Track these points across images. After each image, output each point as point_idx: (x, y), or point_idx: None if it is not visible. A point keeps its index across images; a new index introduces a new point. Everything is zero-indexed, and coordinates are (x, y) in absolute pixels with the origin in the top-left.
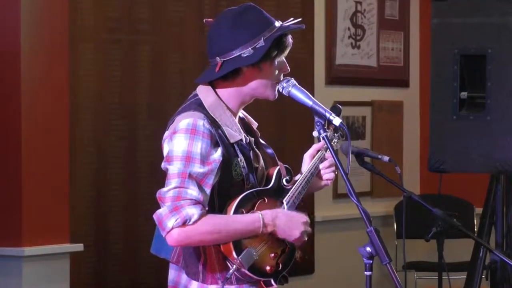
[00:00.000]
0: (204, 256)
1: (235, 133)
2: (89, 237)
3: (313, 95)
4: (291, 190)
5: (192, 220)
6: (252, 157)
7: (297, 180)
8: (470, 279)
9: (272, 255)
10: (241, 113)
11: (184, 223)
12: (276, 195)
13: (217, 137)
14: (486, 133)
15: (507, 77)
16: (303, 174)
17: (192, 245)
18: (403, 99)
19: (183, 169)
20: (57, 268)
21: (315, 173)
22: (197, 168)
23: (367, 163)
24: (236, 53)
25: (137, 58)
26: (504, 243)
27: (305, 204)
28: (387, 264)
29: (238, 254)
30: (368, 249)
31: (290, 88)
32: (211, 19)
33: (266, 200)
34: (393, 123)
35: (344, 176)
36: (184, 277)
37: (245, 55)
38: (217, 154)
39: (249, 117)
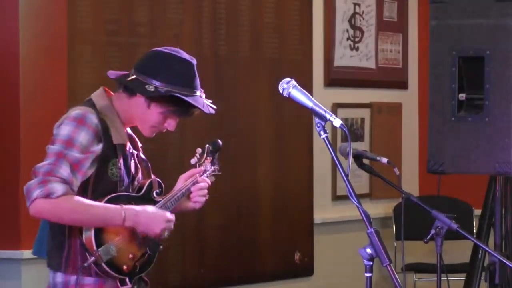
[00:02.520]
0: (68, 248)
1: (120, 137)
2: None
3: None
4: (160, 202)
5: (56, 194)
6: (132, 165)
7: (167, 195)
8: (469, 281)
9: (131, 256)
10: (128, 129)
11: (47, 196)
12: (144, 203)
13: (101, 134)
14: (484, 134)
15: (505, 78)
16: (174, 191)
17: (52, 220)
18: (402, 101)
19: (61, 150)
20: None
21: (186, 193)
22: (74, 153)
23: (365, 164)
24: (147, 80)
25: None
26: (503, 245)
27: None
28: (388, 266)
29: (98, 247)
30: (369, 250)
31: (290, 90)
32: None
33: (134, 205)
34: (392, 125)
35: (345, 178)
36: (51, 275)
37: (148, 87)
38: (97, 148)
39: (134, 136)
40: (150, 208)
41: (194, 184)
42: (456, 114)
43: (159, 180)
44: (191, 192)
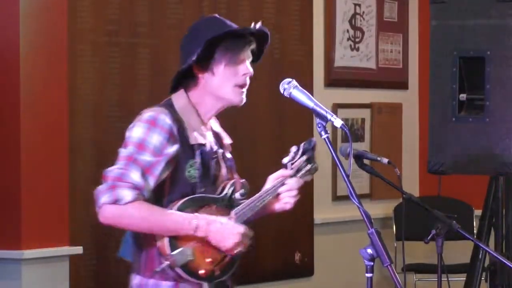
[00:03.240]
0: (146, 251)
1: (198, 137)
2: (88, 240)
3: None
4: (243, 204)
5: (124, 201)
6: (213, 164)
7: (252, 196)
8: (469, 281)
9: (209, 260)
10: (216, 126)
11: (114, 202)
12: (227, 205)
13: (176, 135)
14: (485, 135)
15: (506, 79)
16: (260, 193)
17: (120, 227)
18: (402, 101)
19: (131, 154)
20: (56, 271)
21: (273, 194)
22: (146, 157)
23: (366, 165)
24: (186, 58)
25: (136, 61)
26: (503, 245)
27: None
28: (388, 266)
29: (172, 251)
30: (369, 251)
31: (291, 90)
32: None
33: (214, 207)
34: (392, 125)
35: (345, 178)
36: (131, 277)
37: (190, 60)
38: (171, 150)
39: (223, 133)
40: (223, 220)
41: (282, 185)
42: (456, 115)
43: (243, 181)
44: (278, 194)
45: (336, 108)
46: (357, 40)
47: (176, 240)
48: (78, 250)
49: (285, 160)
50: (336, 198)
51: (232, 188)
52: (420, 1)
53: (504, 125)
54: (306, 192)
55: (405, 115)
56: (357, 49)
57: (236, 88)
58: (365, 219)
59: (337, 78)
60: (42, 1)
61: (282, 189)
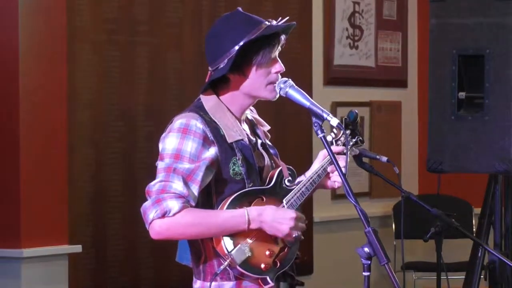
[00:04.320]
0: (204, 254)
1: (235, 134)
2: (87, 238)
3: (311, 96)
4: (293, 190)
5: (172, 212)
6: (254, 157)
7: (301, 181)
8: (468, 279)
9: (268, 252)
10: (251, 115)
11: (163, 215)
12: (277, 194)
13: (211, 137)
14: (484, 133)
15: (505, 77)
16: (308, 175)
17: (174, 238)
18: (402, 100)
19: (170, 165)
20: (55, 270)
21: (323, 174)
22: (184, 165)
23: (365, 163)
24: (218, 63)
25: (135, 59)
26: (502, 243)
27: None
28: (385, 265)
29: (229, 250)
30: (366, 249)
31: (287, 89)
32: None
33: (264, 198)
34: (391, 124)
35: (342, 177)
36: (193, 281)
37: (220, 67)
38: (210, 153)
39: (260, 119)
40: (273, 208)
41: (331, 163)
42: (456, 113)
43: (289, 166)
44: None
45: (335, 106)
46: (356, 38)
47: (231, 238)
48: (77, 248)
49: (329, 137)
50: (335, 196)
51: (279, 177)
52: None
53: (503, 123)
54: None
55: (404, 113)
56: (356, 48)
57: (269, 86)
58: (362, 217)
59: (336, 77)
60: (41, 0)
61: (330, 168)
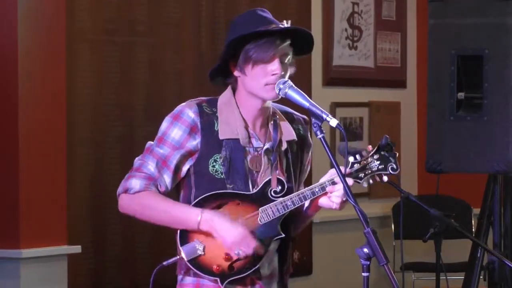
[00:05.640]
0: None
1: (230, 132)
2: (86, 239)
3: (310, 96)
4: (276, 201)
5: (133, 190)
6: (246, 160)
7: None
8: (468, 280)
9: (225, 256)
10: (277, 120)
11: (125, 191)
12: (256, 202)
13: (200, 128)
14: (483, 133)
15: (504, 77)
16: (302, 190)
17: (135, 216)
18: (401, 100)
19: (152, 146)
20: (55, 270)
21: (319, 193)
22: (163, 149)
23: None
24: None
25: (134, 59)
26: (501, 244)
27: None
28: (384, 265)
29: (182, 245)
30: (366, 250)
31: (286, 90)
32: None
33: (240, 203)
34: (390, 124)
35: (341, 177)
36: None
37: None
38: (192, 143)
39: (286, 128)
40: (227, 218)
41: (333, 183)
42: (454, 113)
43: (280, 177)
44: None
45: (334, 107)
46: (355, 38)
47: (187, 234)
48: (77, 249)
49: (351, 159)
50: None
51: (266, 186)
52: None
53: (502, 123)
54: None
55: (403, 114)
56: (355, 48)
57: (267, 86)
58: (361, 218)
59: (335, 77)
60: (41, 0)
61: (329, 188)
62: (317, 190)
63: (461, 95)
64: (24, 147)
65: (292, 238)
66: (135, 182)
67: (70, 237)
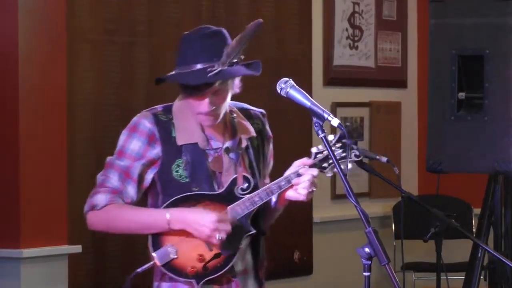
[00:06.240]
0: None
1: (188, 137)
2: (87, 239)
3: (311, 96)
4: (244, 198)
5: (99, 206)
6: (209, 162)
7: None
8: (468, 280)
9: (198, 258)
10: (237, 119)
11: (92, 209)
12: (223, 200)
13: (158, 136)
14: (484, 133)
15: (505, 77)
16: (267, 185)
17: (104, 231)
18: (401, 100)
19: (112, 160)
20: (55, 270)
21: (285, 186)
22: (124, 162)
23: (365, 164)
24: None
25: (135, 60)
26: (502, 244)
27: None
28: (386, 265)
29: (154, 250)
30: (367, 250)
31: (288, 89)
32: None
33: (208, 204)
34: (391, 124)
35: (343, 177)
36: None
37: (169, 74)
38: (152, 152)
39: (244, 125)
40: (196, 211)
41: (298, 175)
42: (455, 113)
43: (246, 174)
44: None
45: (335, 106)
46: (356, 38)
47: (159, 239)
48: (77, 249)
49: (313, 149)
50: (335, 196)
51: (232, 184)
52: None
53: (503, 123)
54: None
55: (404, 114)
56: (356, 48)
57: (201, 115)
58: (363, 218)
59: (336, 77)
60: (41, 0)
61: (295, 180)
62: (283, 183)
63: (461, 95)
64: (24, 147)
65: (263, 232)
66: (100, 198)
67: (71, 237)
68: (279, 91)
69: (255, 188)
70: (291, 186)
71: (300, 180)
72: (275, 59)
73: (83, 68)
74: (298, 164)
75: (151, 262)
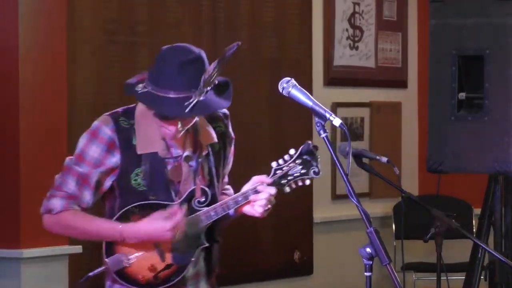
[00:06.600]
0: None
1: (149, 145)
2: None
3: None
4: (200, 212)
5: (55, 211)
6: (168, 171)
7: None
8: (468, 280)
9: (150, 267)
10: (197, 126)
11: (47, 212)
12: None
13: (118, 144)
14: (484, 133)
15: (505, 77)
16: (224, 200)
17: (58, 234)
18: (402, 100)
19: (71, 164)
20: (55, 270)
21: (242, 202)
22: (83, 168)
23: (365, 164)
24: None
25: (135, 60)
26: (502, 244)
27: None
28: (387, 265)
29: (107, 257)
30: (368, 250)
31: (290, 89)
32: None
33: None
34: (391, 124)
35: (344, 177)
36: None
37: (137, 88)
38: (111, 160)
39: (208, 132)
40: (146, 223)
41: (255, 192)
42: (455, 113)
43: (204, 187)
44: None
45: (335, 107)
46: (356, 39)
47: (113, 246)
48: (78, 249)
49: (273, 164)
50: (336, 197)
51: (189, 196)
52: (419, 0)
53: (503, 123)
54: (305, 191)
55: (404, 114)
56: (356, 48)
57: (165, 130)
58: (364, 218)
59: (336, 77)
60: (41, 0)
61: (252, 197)
62: (240, 199)
63: (462, 95)
64: (25, 147)
65: (216, 240)
66: (56, 203)
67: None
68: (281, 91)
69: (213, 199)
70: (248, 202)
71: (258, 198)
72: (276, 59)
73: (83, 68)
74: (256, 181)
75: (103, 267)
